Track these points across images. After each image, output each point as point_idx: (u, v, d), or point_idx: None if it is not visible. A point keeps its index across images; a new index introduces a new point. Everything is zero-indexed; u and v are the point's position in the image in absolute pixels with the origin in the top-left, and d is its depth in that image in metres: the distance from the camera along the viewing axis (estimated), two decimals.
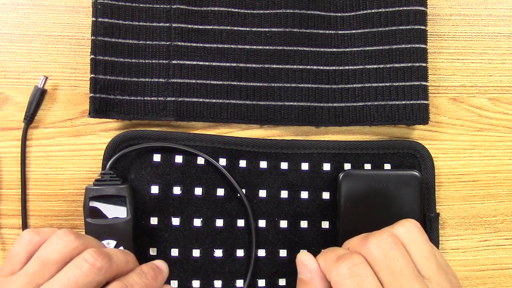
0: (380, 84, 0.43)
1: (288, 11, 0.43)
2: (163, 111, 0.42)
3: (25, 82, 0.43)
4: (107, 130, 0.43)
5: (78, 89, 0.43)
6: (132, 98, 0.42)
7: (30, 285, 0.32)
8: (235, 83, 0.43)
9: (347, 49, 0.43)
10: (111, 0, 0.42)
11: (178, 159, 0.42)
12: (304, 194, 0.42)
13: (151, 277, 0.35)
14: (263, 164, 0.42)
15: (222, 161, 0.42)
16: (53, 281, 0.32)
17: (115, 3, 0.42)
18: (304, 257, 0.36)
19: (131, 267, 0.35)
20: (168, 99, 0.42)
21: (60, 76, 0.43)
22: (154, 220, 0.41)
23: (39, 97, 0.42)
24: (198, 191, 0.42)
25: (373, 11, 0.43)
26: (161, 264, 0.37)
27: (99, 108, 0.41)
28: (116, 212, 0.39)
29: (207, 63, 0.42)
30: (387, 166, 0.43)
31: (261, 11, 0.43)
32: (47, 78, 0.42)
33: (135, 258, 0.36)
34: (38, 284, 0.32)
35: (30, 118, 0.42)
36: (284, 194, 0.42)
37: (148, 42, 0.42)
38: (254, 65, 0.43)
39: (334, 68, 0.43)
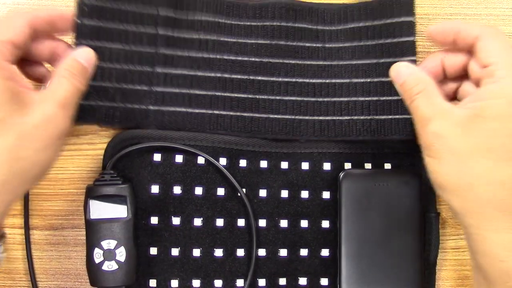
0: (367, 98, 0.42)
1: (275, 23, 0.42)
2: (145, 119, 0.41)
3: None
4: (107, 129, 0.43)
5: None
6: (115, 105, 0.41)
7: None
8: (220, 93, 0.42)
9: (334, 62, 0.43)
10: (97, 1, 0.40)
11: (179, 158, 0.42)
12: (305, 194, 0.42)
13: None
14: (264, 164, 0.42)
15: (223, 161, 0.42)
16: None
17: (102, 6, 0.40)
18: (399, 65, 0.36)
19: None
20: (150, 107, 0.41)
21: None
22: (154, 220, 0.41)
23: None
24: (198, 190, 0.42)
25: (360, 25, 0.43)
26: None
27: (78, 114, 0.38)
28: (116, 211, 0.39)
29: (191, 73, 0.42)
30: (387, 166, 0.43)
31: (248, 23, 0.43)
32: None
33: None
34: None
35: None
36: (284, 193, 0.42)
37: (133, 48, 0.41)
38: (239, 76, 0.42)
39: (320, 81, 0.42)
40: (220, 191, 0.42)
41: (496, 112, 0.31)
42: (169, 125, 0.41)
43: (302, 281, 0.42)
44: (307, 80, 0.42)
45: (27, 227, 0.42)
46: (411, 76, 0.35)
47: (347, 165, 0.43)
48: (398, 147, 0.43)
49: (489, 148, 0.31)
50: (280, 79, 0.42)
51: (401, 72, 0.36)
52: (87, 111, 0.40)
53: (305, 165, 0.43)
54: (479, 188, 0.31)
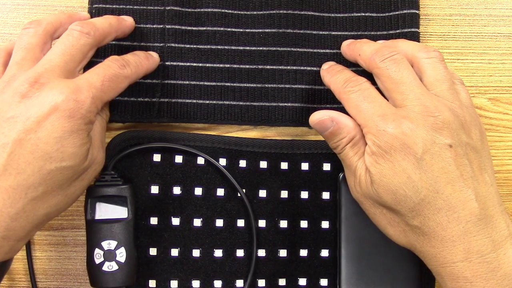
0: (374, 86, 0.42)
1: (281, 11, 0.42)
2: (157, 112, 0.42)
3: None
4: (107, 130, 0.43)
5: None
6: (125, 99, 0.41)
7: (23, 68, 0.34)
8: (229, 84, 0.42)
9: (340, 51, 0.43)
10: (105, 4, 0.41)
11: (178, 159, 0.42)
12: (304, 194, 0.42)
13: (143, 57, 0.39)
14: (263, 164, 0.42)
15: (222, 161, 0.42)
16: (51, 51, 0.35)
17: (109, 6, 0.42)
18: (317, 116, 0.37)
19: (114, 28, 0.39)
20: (162, 100, 0.42)
21: None
22: (154, 220, 0.41)
23: None
24: (198, 191, 0.42)
25: (366, 14, 0.43)
26: (152, 52, 0.41)
27: None
28: (117, 212, 0.39)
29: (200, 64, 0.42)
30: None
31: (255, 12, 0.43)
32: None
33: (116, 19, 0.40)
34: (30, 66, 0.34)
35: None
36: (284, 194, 0.42)
37: (142, 44, 0.42)
38: (247, 66, 0.43)
39: None
40: (220, 192, 0.42)
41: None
42: (180, 117, 0.42)
43: (302, 281, 0.42)
44: (315, 68, 0.43)
45: None
46: (338, 128, 0.36)
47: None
48: None
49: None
50: (288, 67, 0.43)
51: (326, 124, 0.37)
52: None
53: (304, 166, 0.43)
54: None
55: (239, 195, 0.42)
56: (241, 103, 0.42)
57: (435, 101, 0.34)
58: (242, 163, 0.42)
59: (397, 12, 0.43)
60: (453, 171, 0.33)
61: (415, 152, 0.33)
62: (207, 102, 0.42)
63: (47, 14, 0.44)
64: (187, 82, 0.42)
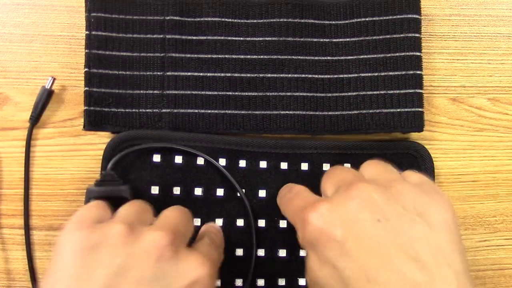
0: (375, 92, 0.42)
1: (282, 20, 0.42)
2: (159, 122, 0.42)
3: (25, 82, 0.43)
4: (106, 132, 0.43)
5: (78, 89, 0.43)
6: (127, 110, 0.41)
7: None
8: (230, 93, 0.42)
9: (342, 58, 0.43)
10: (104, 13, 0.41)
11: (178, 159, 0.42)
12: None
13: (218, 234, 0.40)
14: (263, 164, 0.42)
15: (222, 161, 0.42)
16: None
17: (108, 16, 0.41)
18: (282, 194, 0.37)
19: (191, 227, 0.36)
20: (163, 110, 0.42)
21: (60, 76, 0.43)
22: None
23: (45, 98, 0.42)
24: (198, 191, 0.42)
25: (367, 19, 0.43)
26: (215, 225, 0.41)
27: (94, 121, 0.41)
28: None
29: (201, 74, 0.42)
30: None
31: (255, 21, 0.43)
32: (54, 79, 0.42)
33: (189, 214, 0.37)
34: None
35: (36, 118, 0.42)
36: None
37: (142, 54, 0.42)
38: (248, 75, 0.42)
39: (328, 76, 0.43)
40: (220, 192, 0.42)
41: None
42: (182, 127, 0.42)
43: (302, 281, 0.42)
44: (316, 76, 0.43)
45: (27, 228, 0.42)
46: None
47: (346, 166, 0.43)
48: (398, 147, 0.43)
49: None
50: (289, 75, 0.43)
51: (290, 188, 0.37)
52: (102, 118, 0.41)
53: (304, 166, 0.43)
54: None
55: (238, 195, 0.42)
56: (243, 112, 0.42)
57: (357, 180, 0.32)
58: (242, 163, 0.42)
59: (399, 16, 0.43)
60: (384, 250, 0.28)
61: (336, 236, 0.29)
62: (209, 111, 0.42)
63: (47, 14, 0.44)
64: (189, 92, 0.42)
